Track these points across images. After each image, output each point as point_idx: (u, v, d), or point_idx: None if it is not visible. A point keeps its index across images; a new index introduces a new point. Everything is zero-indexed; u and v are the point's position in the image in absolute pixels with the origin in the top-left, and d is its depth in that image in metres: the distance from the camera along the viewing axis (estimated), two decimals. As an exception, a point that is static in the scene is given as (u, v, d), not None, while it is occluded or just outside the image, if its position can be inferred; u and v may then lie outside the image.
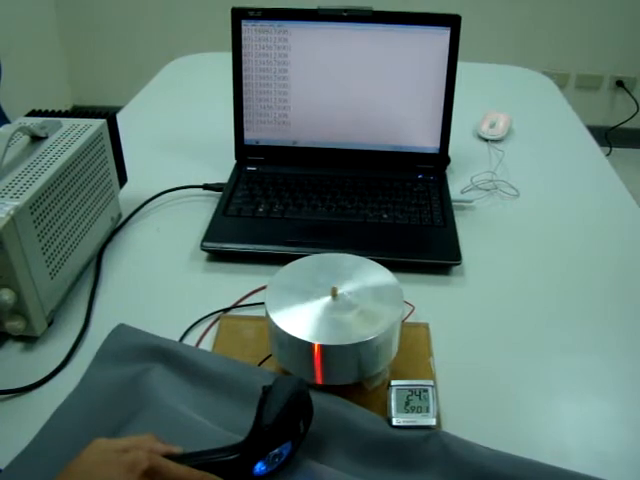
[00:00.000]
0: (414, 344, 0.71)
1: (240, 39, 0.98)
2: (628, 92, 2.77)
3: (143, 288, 0.82)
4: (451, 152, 1.02)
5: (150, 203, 0.97)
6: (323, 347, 0.59)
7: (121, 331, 0.72)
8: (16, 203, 0.66)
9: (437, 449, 0.58)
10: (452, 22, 0.95)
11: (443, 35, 0.95)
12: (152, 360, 0.67)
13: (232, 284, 0.81)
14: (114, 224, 0.92)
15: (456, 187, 1.01)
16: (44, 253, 0.71)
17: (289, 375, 0.63)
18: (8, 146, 0.74)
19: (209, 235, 0.87)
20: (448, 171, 1.04)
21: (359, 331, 0.60)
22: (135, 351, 0.68)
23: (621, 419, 0.64)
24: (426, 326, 0.74)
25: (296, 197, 0.95)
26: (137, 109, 1.32)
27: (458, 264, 0.84)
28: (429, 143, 1.02)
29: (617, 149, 2.78)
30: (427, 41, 0.96)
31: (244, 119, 1.02)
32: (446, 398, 0.65)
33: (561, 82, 2.68)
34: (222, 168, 1.03)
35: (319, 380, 0.62)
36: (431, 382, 0.61)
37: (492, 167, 1.09)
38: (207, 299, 0.78)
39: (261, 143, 1.04)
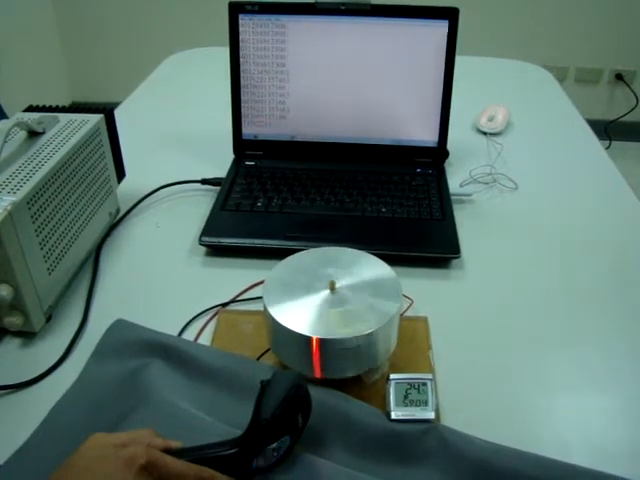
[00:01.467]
0: (413, 338, 0.71)
1: (237, 33, 0.98)
2: (627, 85, 2.76)
3: (141, 283, 0.81)
4: (450, 145, 1.02)
5: (148, 198, 0.97)
6: (321, 341, 0.59)
7: (119, 326, 0.72)
8: (13, 198, 0.66)
9: (436, 443, 0.58)
10: (450, 15, 0.94)
11: (441, 28, 0.95)
12: (151, 355, 0.67)
13: (230, 279, 0.80)
14: (112, 219, 0.92)
15: (455, 180, 1.01)
16: (42, 248, 0.71)
17: (288, 369, 0.63)
18: (5, 141, 0.74)
19: (207, 230, 0.87)
20: (447, 164, 1.04)
21: (357, 325, 0.60)
22: (134, 346, 0.68)
23: (620, 413, 0.64)
24: (425, 319, 0.74)
25: (294, 191, 0.95)
26: (135, 104, 1.32)
27: (457, 257, 0.84)
28: (428, 136, 1.02)
29: (616, 142, 2.77)
30: (425, 34, 0.96)
31: (242, 114, 1.02)
32: (445, 391, 0.64)
33: (560, 75, 2.68)
34: (220, 163, 1.03)
35: (318, 374, 0.62)
36: (430, 376, 0.61)
37: (491, 160, 1.09)
38: (205, 294, 0.78)
39: (259, 138, 1.04)
